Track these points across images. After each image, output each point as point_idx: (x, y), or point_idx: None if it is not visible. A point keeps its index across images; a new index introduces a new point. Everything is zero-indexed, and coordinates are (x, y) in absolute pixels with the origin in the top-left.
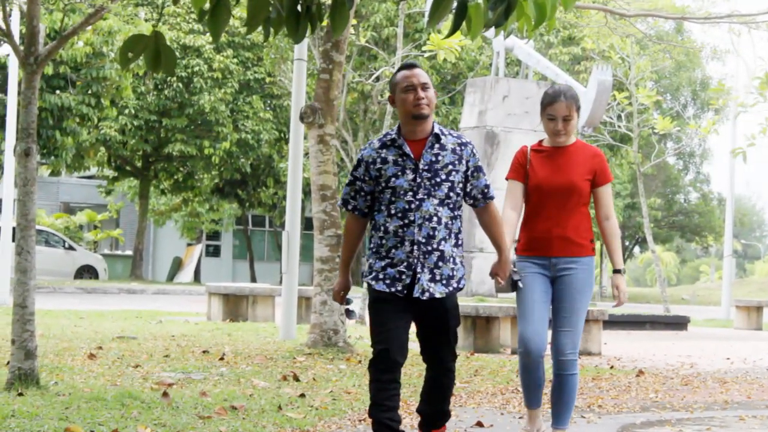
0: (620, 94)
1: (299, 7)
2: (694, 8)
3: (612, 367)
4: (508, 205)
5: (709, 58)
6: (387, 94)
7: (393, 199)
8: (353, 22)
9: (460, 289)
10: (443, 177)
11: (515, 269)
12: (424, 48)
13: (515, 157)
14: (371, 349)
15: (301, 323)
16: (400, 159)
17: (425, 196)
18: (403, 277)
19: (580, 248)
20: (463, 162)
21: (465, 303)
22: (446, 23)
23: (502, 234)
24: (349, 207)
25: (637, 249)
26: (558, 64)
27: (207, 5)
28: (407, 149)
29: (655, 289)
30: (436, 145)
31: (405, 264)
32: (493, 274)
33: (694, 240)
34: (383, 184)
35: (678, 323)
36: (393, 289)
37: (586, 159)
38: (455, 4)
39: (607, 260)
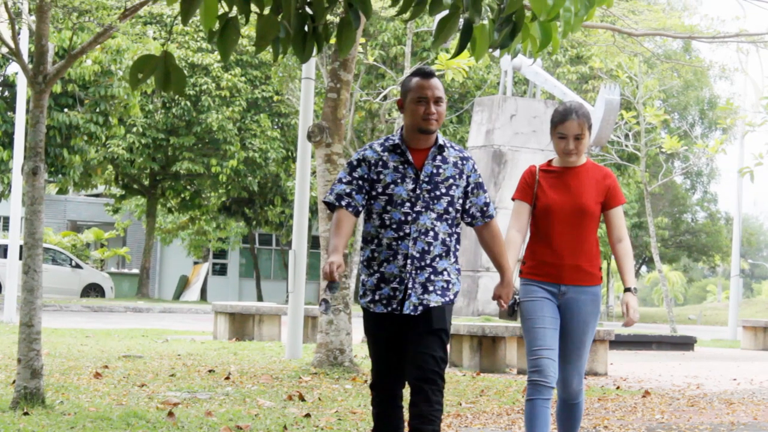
0: (628, 114)
1: (306, 27)
2: (702, 27)
3: (618, 388)
4: (514, 226)
5: (717, 77)
6: (395, 114)
7: (388, 208)
8: (361, 40)
9: (453, 302)
10: (443, 191)
11: (516, 294)
12: (432, 67)
13: (522, 176)
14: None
15: (307, 342)
16: (401, 166)
17: (423, 209)
18: (397, 293)
19: (590, 277)
20: (464, 177)
21: (471, 323)
22: (453, 42)
23: (504, 254)
24: (343, 203)
25: (644, 268)
26: (566, 83)
27: (216, 26)
28: (410, 157)
29: (662, 308)
30: (438, 157)
31: (397, 279)
32: (496, 296)
33: (701, 260)
34: (379, 190)
35: (685, 343)
36: (389, 309)
37: (598, 180)
38: (461, 25)
39: (614, 279)
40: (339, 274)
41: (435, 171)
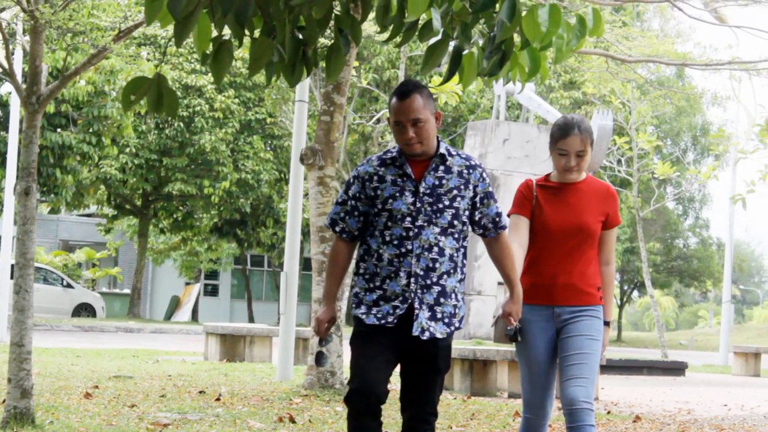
0: (621, 139)
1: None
2: (695, 54)
3: (609, 413)
4: (514, 240)
5: (710, 104)
6: (388, 137)
7: (389, 224)
8: (355, 64)
9: (459, 329)
10: (447, 203)
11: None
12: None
13: (519, 191)
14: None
15: (298, 364)
16: (399, 179)
17: (425, 223)
18: (397, 311)
19: (586, 297)
20: (470, 187)
21: (462, 346)
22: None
23: (514, 268)
24: (337, 229)
25: (635, 293)
26: (559, 108)
27: (209, 49)
28: (408, 169)
29: (654, 333)
30: (441, 167)
31: (400, 298)
32: (506, 314)
33: (693, 285)
34: (379, 206)
35: (676, 369)
36: (384, 322)
37: (600, 198)
38: (450, 53)
39: None
40: (329, 329)
41: (437, 182)
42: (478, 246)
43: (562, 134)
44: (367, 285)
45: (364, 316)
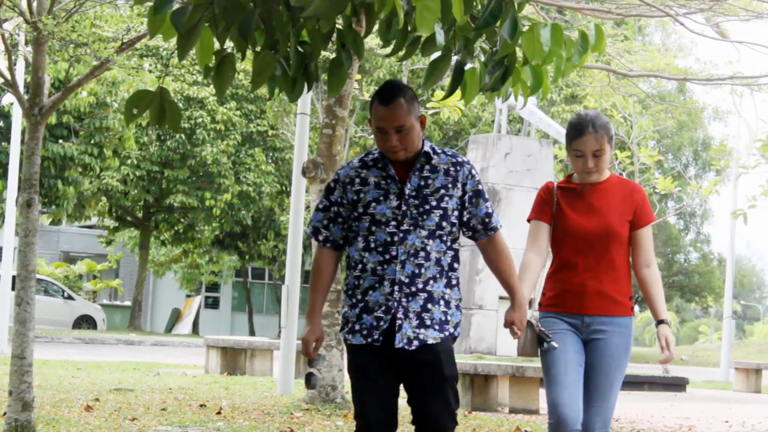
0: (622, 153)
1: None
2: (696, 69)
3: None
4: (531, 249)
5: (711, 118)
6: None
7: (373, 228)
8: (357, 77)
9: (455, 337)
10: (433, 204)
11: (543, 328)
12: (428, 105)
13: (538, 194)
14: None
15: (299, 378)
16: (383, 182)
17: (411, 227)
18: (381, 323)
19: (617, 306)
20: (459, 185)
21: (463, 360)
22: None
23: (513, 273)
24: (320, 237)
25: (636, 308)
26: (560, 122)
27: (212, 62)
28: (391, 171)
29: (654, 348)
30: (426, 167)
31: (383, 308)
32: (508, 323)
33: (694, 300)
34: (361, 210)
35: (677, 384)
36: (370, 340)
37: (625, 196)
38: (453, 68)
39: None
40: (317, 348)
41: (423, 183)
42: (479, 260)
43: (575, 134)
44: (350, 300)
45: (350, 337)
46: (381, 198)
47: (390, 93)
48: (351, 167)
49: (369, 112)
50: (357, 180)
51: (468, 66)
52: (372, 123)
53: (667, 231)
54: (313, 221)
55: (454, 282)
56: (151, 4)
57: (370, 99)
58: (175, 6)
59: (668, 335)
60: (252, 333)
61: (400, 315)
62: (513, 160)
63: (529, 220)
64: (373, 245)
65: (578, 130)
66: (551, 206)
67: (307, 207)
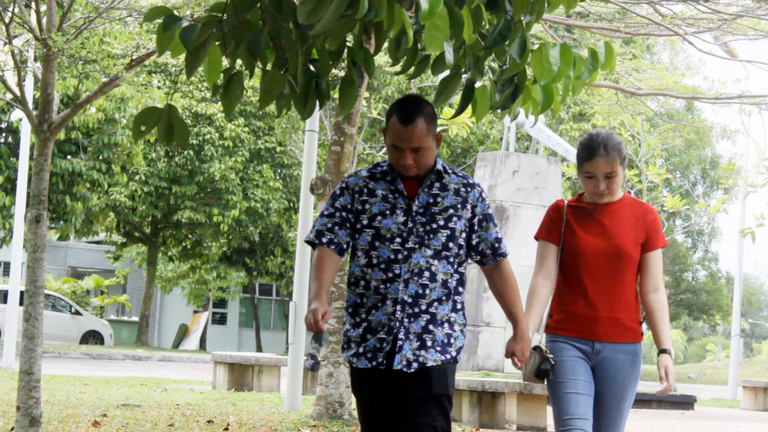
0: (630, 172)
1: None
2: (704, 88)
3: None
4: (540, 273)
5: (719, 137)
6: None
7: (376, 244)
8: (365, 94)
9: (457, 360)
10: (441, 223)
11: (549, 354)
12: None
13: (547, 213)
14: None
15: (306, 394)
16: (390, 196)
17: (416, 245)
18: (384, 345)
19: (628, 332)
20: (468, 207)
21: (471, 378)
22: (457, 98)
23: (518, 302)
24: (324, 240)
25: (643, 326)
26: (568, 140)
27: (220, 80)
28: (400, 185)
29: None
30: (436, 185)
31: (385, 329)
32: (509, 354)
33: (702, 318)
34: (365, 222)
35: (685, 402)
36: (374, 363)
37: (638, 218)
38: (463, 86)
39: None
40: (325, 322)
41: (431, 200)
42: None
43: (586, 156)
44: (353, 319)
45: (354, 360)
46: (387, 212)
47: (410, 112)
48: (359, 177)
49: (386, 122)
50: (365, 190)
51: (478, 84)
52: (387, 136)
53: (675, 249)
54: (316, 226)
55: (459, 306)
56: (160, 21)
57: (388, 109)
58: (184, 24)
59: (668, 365)
60: (259, 349)
61: (401, 336)
62: (521, 177)
63: (536, 239)
64: (375, 261)
65: (589, 152)
66: (560, 226)
67: None
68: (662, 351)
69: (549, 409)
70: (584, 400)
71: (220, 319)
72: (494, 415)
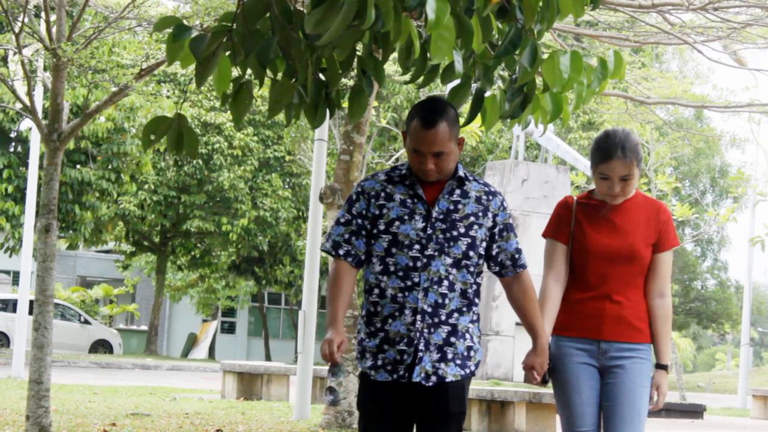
0: (639, 181)
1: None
2: (713, 97)
3: None
4: (550, 275)
5: (729, 145)
6: None
7: (393, 250)
8: (375, 103)
9: (473, 374)
10: (462, 231)
11: (551, 364)
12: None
13: (556, 211)
14: None
15: (315, 403)
16: (409, 200)
17: (436, 253)
18: (404, 357)
19: (637, 333)
20: (489, 215)
21: (480, 386)
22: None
23: (538, 315)
24: (341, 252)
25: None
26: (577, 148)
27: (230, 89)
28: (419, 190)
29: (671, 375)
30: (457, 191)
31: (405, 340)
32: (528, 367)
33: (711, 327)
34: (382, 227)
35: (694, 411)
36: (395, 376)
37: (650, 217)
38: (472, 95)
39: None
40: (341, 353)
41: (452, 207)
42: (496, 285)
43: (602, 157)
44: (368, 329)
45: (373, 372)
46: (406, 217)
47: (433, 116)
48: (376, 180)
49: (406, 125)
50: (382, 194)
51: (488, 93)
52: (408, 140)
53: (684, 258)
54: (332, 235)
55: (475, 318)
56: (169, 31)
57: (408, 112)
58: (194, 33)
59: (662, 384)
60: (268, 358)
61: (421, 347)
62: (530, 186)
63: (544, 236)
64: (392, 269)
65: (606, 153)
66: (569, 224)
67: (324, 232)
68: (659, 366)
69: (558, 418)
70: (590, 410)
71: (229, 328)
72: (504, 425)
